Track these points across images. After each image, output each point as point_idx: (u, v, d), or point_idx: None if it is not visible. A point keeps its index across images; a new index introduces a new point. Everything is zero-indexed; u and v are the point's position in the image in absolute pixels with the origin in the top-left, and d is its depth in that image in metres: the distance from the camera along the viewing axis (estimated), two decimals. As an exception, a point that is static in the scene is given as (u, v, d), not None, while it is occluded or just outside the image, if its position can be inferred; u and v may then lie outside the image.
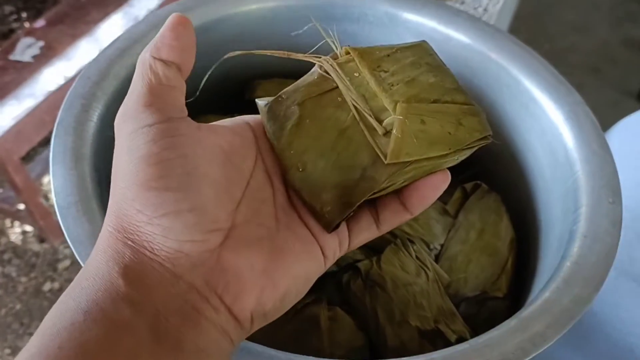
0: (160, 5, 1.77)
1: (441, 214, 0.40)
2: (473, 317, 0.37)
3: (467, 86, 0.43)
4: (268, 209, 0.25)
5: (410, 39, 0.43)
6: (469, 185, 0.41)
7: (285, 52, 0.26)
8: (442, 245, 0.39)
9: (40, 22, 1.78)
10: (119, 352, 0.19)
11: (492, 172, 0.44)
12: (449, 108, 0.25)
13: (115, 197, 0.22)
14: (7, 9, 2.43)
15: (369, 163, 0.24)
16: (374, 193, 0.24)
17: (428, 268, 0.37)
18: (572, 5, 2.16)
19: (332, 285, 0.37)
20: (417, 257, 0.37)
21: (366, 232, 0.26)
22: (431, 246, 0.39)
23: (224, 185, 0.23)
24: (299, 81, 0.26)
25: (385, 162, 0.23)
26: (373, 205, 0.26)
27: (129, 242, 0.21)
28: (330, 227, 0.24)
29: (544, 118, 0.37)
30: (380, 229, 0.26)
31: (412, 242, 0.38)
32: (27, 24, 2.35)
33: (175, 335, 0.20)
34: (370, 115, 0.24)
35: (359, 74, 0.25)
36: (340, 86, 0.25)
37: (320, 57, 0.26)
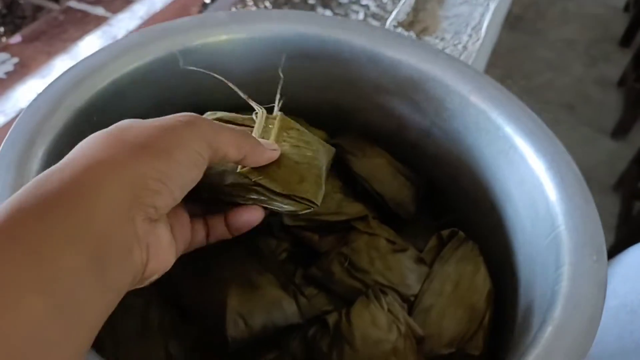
0: (141, 26, 1.75)
1: (416, 263, 0.38)
2: (447, 376, 0.35)
3: (445, 128, 0.42)
4: None
5: (388, 77, 0.42)
6: (445, 232, 0.39)
7: (244, 94, 0.34)
8: (415, 297, 0.37)
9: (16, 38, 1.74)
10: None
11: (471, 220, 0.42)
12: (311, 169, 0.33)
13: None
14: (-17, 23, 2.38)
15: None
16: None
17: (401, 322, 0.35)
18: (548, 44, 2.21)
19: (296, 341, 0.34)
20: (389, 310, 0.35)
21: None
22: (404, 297, 0.37)
23: None
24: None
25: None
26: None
27: (149, 168, 0.23)
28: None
29: (524, 167, 0.35)
30: (209, 240, 0.32)
31: (384, 292, 0.36)
32: (3, 39, 2.30)
33: (110, 276, 0.21)
34: None
35: (272, 127, 0.34)
36: (255, 125, 0.33)
37: (259, 106, 0.34)
